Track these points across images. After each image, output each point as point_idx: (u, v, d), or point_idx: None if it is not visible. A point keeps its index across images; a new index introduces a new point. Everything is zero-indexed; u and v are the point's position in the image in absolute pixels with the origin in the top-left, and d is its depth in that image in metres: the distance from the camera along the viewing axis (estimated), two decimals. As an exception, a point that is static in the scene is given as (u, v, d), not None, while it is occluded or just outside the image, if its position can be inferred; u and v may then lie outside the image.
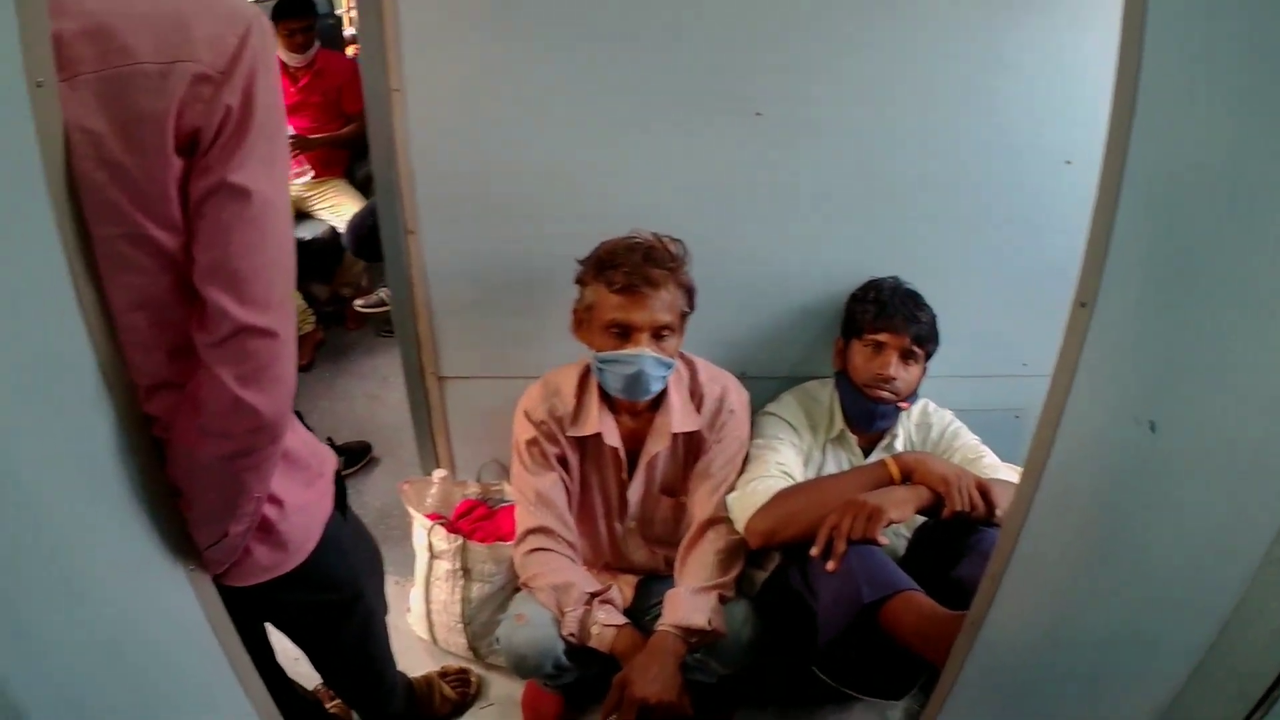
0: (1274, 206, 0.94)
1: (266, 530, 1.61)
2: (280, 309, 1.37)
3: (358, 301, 4.93)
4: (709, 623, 2.31)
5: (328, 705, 2.59)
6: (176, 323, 1.37)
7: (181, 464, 1.43)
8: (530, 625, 2.38)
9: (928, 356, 2.55)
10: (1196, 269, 1.07)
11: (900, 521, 2.25)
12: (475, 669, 2.88)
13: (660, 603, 2.45)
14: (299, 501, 1.66)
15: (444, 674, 2.83)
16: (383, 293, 4.86)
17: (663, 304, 2.30)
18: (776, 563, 2.55)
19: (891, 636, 2.05)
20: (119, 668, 1.33)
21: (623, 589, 2.61)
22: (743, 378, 2.65)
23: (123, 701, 1.33)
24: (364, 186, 5.17)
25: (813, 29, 2.50)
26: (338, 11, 7.87)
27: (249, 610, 1.73)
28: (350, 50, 7.15)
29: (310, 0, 5.05)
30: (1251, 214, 0.97)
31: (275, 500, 1.60)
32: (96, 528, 1.29)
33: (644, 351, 2.29)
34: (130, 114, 1.21)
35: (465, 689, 2.81)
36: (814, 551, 2.18)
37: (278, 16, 4.73)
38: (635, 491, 2.57)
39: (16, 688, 1.05)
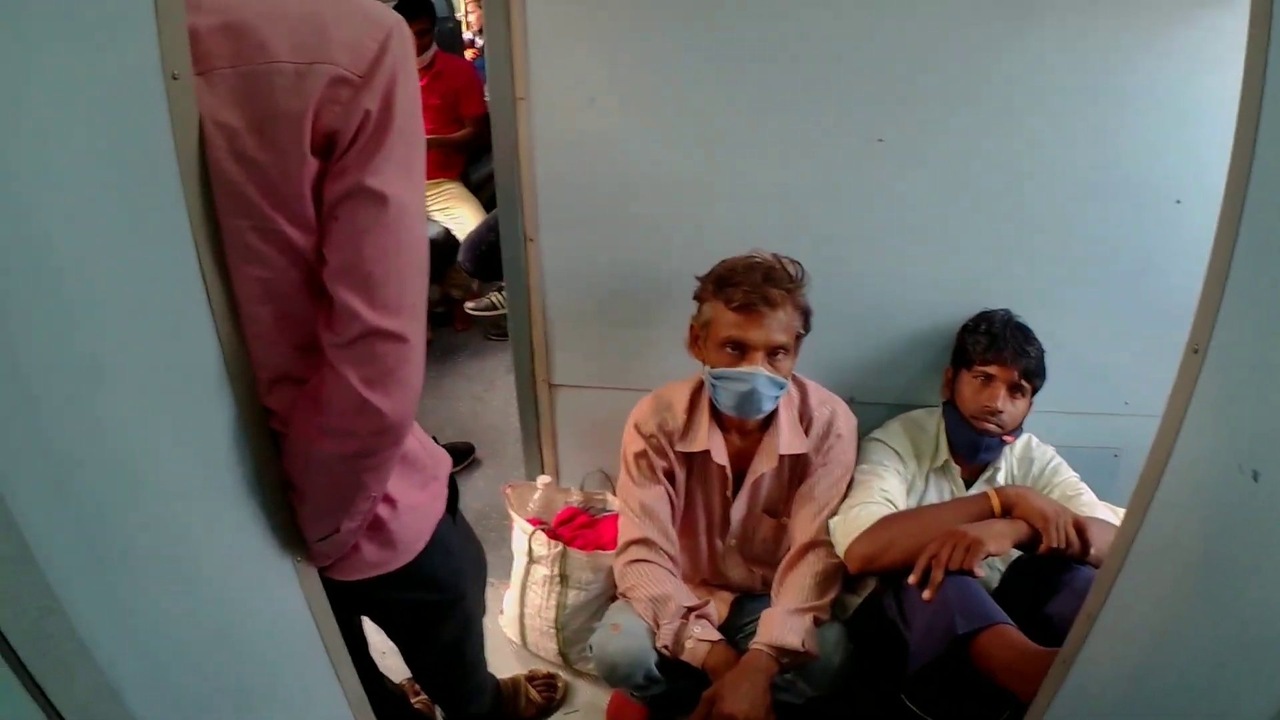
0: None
1: (377, 528, 1.63)
2: (411, 314, 1.37)
3: (468, 304, 4.99)
4: (802, 644, 2.32)
5: (413, 700, 2.64)
6: (302, 318, 1.38)
7: (299, 459, 1.45)
8: (625, 635, 2.41)
9: (1034, 391, 2.53)
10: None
11: (998, 555, 2.24)
12: (563, 674, 2.92)
13: (753, 621, 2.47)
14: (412, 502, 1.68)
15: (531, 677, 2.86)
16: (493, 296, 4.92)
17: (779, 324, 2.30)
18: (871, 588, 2.54)
19: (981, 669, 2.05)
20: (220, 654, 1.35)
21: (718, 605, 2.62)
22: (851, 402, 2.64)
23: (221, 686, 1.35)
24: (479, 189, 5.25)
25: (938, 61, 2.49)
26: (457, 15, 8.00)
27: (349, 603, 1.75)
28: (469, 53, 7.26)
29: (429, 2, 5.13)
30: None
31: (389, 500, 1.62)
32: (209, 516, 1.32)
33: (758, 370, 2.30)
34: (266, 111, 1.23)
35: (551, 694, 2.84)
36: (912, 579, 2.18)
37: (397, 16, 4.84)
38: (738, 510, 2.58)
39: (115, 666, 1.07)
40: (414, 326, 1.38)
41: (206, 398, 1.29)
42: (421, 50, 4.95)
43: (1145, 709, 1.41)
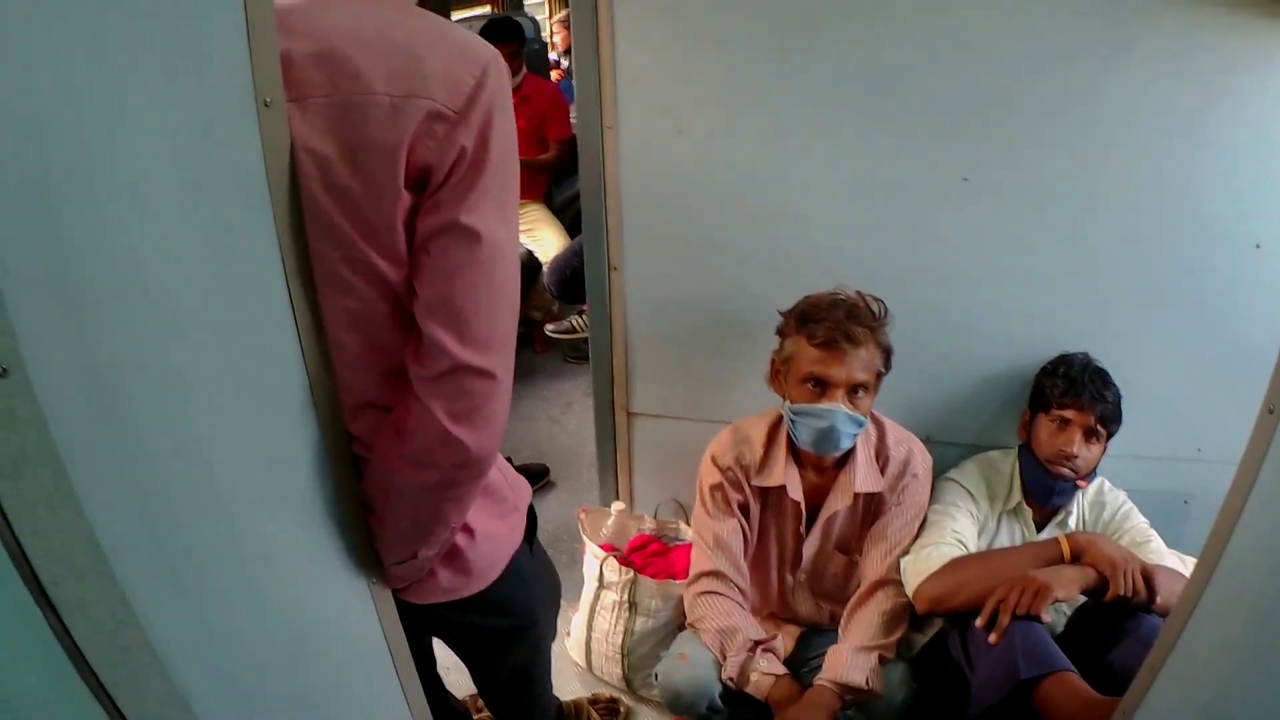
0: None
1: (454, 556, 1.65)
2: (500, 351, 1.39)
3: (548, 326, 5.05)
4: (867, 682, 2.33)
5: (475, 717, 2.67)
6: (389, 348, 1.41)
7: (380, 486, 1.47)
8: (691, 665, 2.43)
9: (1109, 436, 2.52)
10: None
11: (1066, 601, 2.25)
12: (625, 699, 2.93)
13: (819, 655, 2.49)
14: (490, 531, 1.70)
15: (594, 700, 2.88)
16: (573, 319, 4.97)
17: (861, 362, 2.32)
18: (937, 628, 2.56)
19: (1043, 715, 2.07)
20: (291, 668, 1.38)
21: (785, 639, 2.63)
22: (927, 441, 2.66)
23: (289, 700, 1.38)
24: (561, 211, 5.32)
25: (1023, 100, 2.50)
26: (544, 36, 8.12)
27: (421, 624, 1.79)
28: (555, 74, 7.35)
29: (518, 25, 5.20)
30: None
31: (467, 529, 1.64)
32: (287, 534, 1.35)
33: (839, 407, 2.32)
34: (360, 142, 1.25)
35: (613, 718, 2.86)
36: (979, 623, 2.20)
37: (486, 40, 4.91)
38: (811, 546, 2.59)
39: (188, 679, 1.09)
40: (502, 363, 1.40)
41: (291, 420, 1.32)
42: (512, 74, 5.01)
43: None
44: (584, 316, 4.94)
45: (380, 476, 1.47)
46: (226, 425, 1.16)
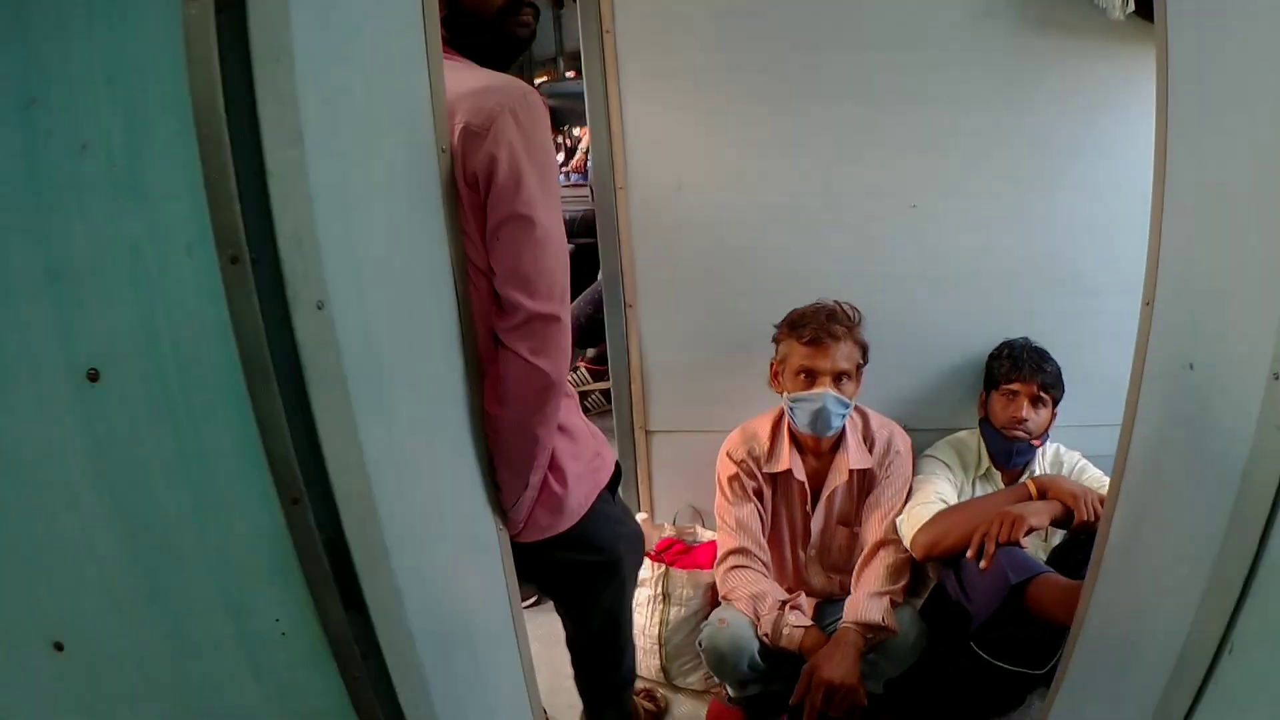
0: None
1: (548, 498, 2.06)
2: (560, 300, 1.86)
3: None
4: (883, 619, 2.77)
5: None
6: (486, 319, 1.88)
7: (491, 435, 1.92)
8: (730, 627, 2.85)
9: (1055, 401, 2.97)
10: None
11: (1039, 529, 2.70)
12: (662, 690, 3.26)
13: (835, 621, 2.89)
14: (576, 472, 2.11)
15: (635, 691, 3.15)
16: (571, 374, 5.38)
17: (842, 354, 2.84)
18: (930, 588, 2.99)
19: (1035, 612, 2.50)
20: (452, 583, 1.82)
21: (807, 609, 3.03)
22: (906, 428, 3.14)
23: (446, 606, 1.77)
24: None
25: (958, 139, 3.07)
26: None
27: (530, 570, 2.19)
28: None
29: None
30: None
31: (558, 471, 2.06)
32: (456, 482, 1.83)
33: (827, 391, 2.82)
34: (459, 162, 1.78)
35: (655, 703, 3.18)
36: (970, 554, 2.64)
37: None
38: (817, 522, 3.04)
39: (399, 575, 1.49)
40: (563, 309, 1.87)
41: (454, 401, 1.81)
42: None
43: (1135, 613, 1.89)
44: (579, 371, 5.38)
45: (489, 427, 1.92)
46: (419, 406, 1.67)
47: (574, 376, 5.34)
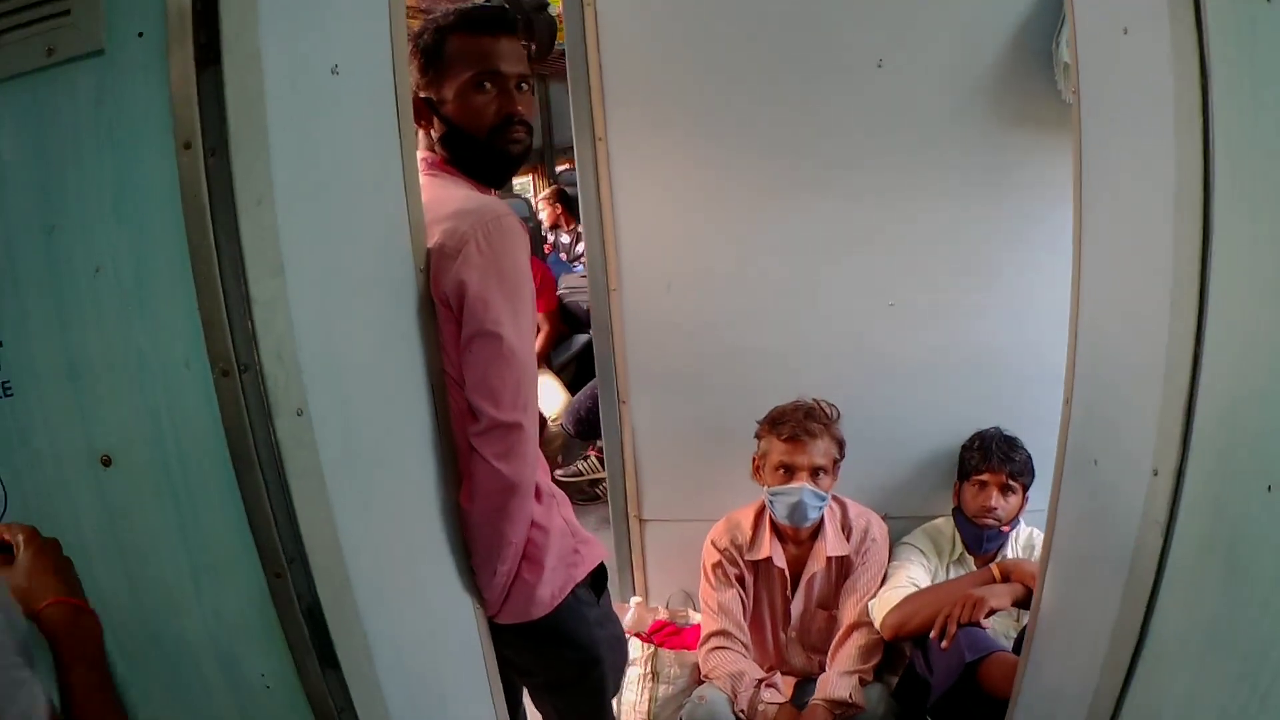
0: None
1: (522, 586, 2.15)
2: (524, 410, 1.99)
3: (558, 472, 5.57)
4: (850, 696, 2.93)
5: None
6: (463, 429, 2.04)
7: (463, 525, 2.08)
8: (709, 704, 3.02)
9: (1025, 488, 3.12)
10: None
11: (1000, 609, 2.84)
12: None
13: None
14: (550, 565, 2.18)
15: None
16: (580, 464, 5.58)
17: (819, 450, 3.03)
18: (905, 667, 3.12)
19: (987, 689, 2.65)
20: (428, 654, 1.99)
21: (783, 688, 3.18)
22: (885, 517, 3.32)
23: (423, 676, 1.96)
24: (560, 372, 5.97)
25: (935, 234, 3.27)
26: (539, 215, 8.74)
27: (510, 664, 2.30)
28: (546, 248, 7.98)
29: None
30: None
31: (532, 561, 2.14)
32: (434, 564, 2.02)
33: (804, 485, 3.00)
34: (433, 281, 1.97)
35: None
36: (933, 635, 2.80)
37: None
38: (797, 605, 3.21)
39: (372, 640, 1.69)
40: (525, 418, 2.00)
41: (431, 493, 2.01)
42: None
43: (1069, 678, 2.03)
44: (590, 460, 5.59)
45: (462, 520, 2.07)
46: (413, 502, 1.91)
47: (584, 465, 5.55)
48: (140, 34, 1.40)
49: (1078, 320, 2.02)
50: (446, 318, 1.98)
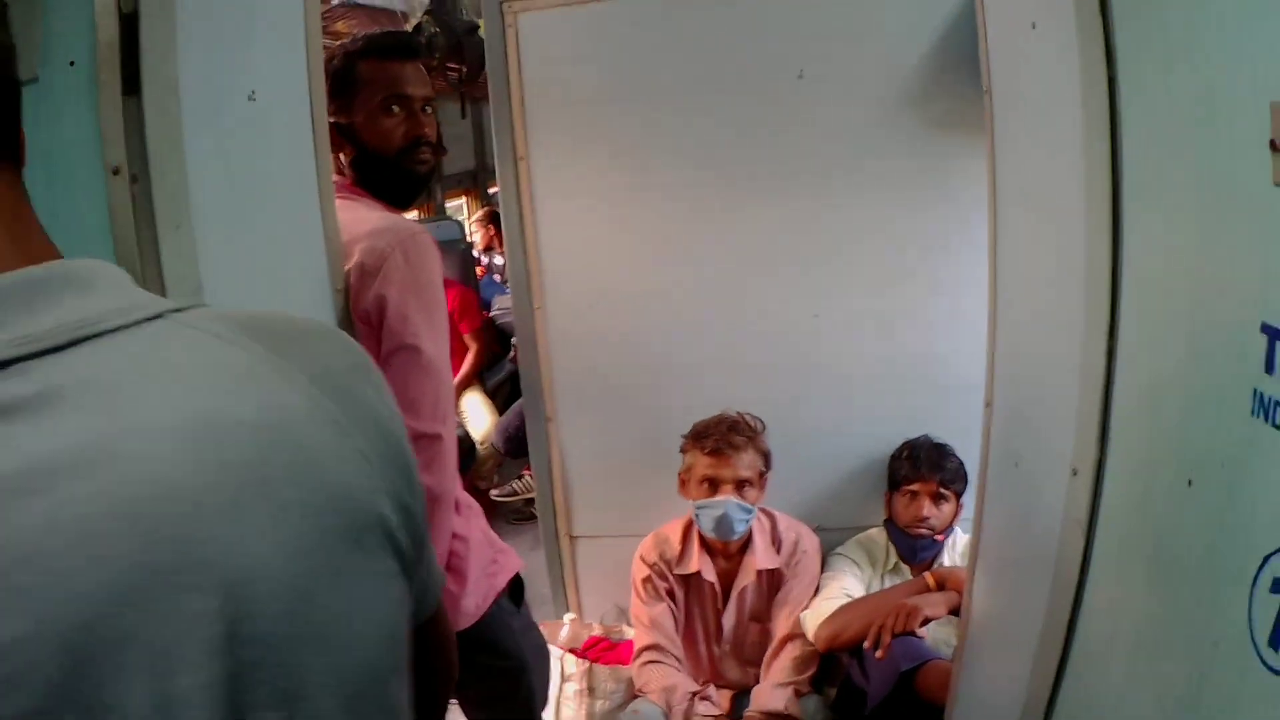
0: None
1: (446, 595, 2.14)
2: (443, 420, 2.00)
3: (493, 492, 5.55)
4: (785, 708, 2.92)
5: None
6: None
7: None
8: (644, 717, 3.00)
9: (958, 495, 3.12)
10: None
11: (935, 619, 2.83)
12: None
13: (749, 710, 3.06)
14: (473, 576, 2.19)
15: None
16: (515, 484, 5.53)
17: (744, 463, 3.01)
18: (841, 679, 3.12)
19: (924, 696, 2.65)
20: None
21: (720, 701, 3.19)
22: (818, 529, 3.31)
23: None
24: (494, 395, 5.90)
25: (859, 244, 3.28)
26: (469, 238, 8.67)
27: None
28: (480, 270, 7.93)
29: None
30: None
31: (455, 572, 2.14)
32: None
33: (729, 499, 2.99)
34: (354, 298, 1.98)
35: None
36: (867, 645, 2.78)
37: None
38: (729, 619, 3.19)
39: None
40: (446, 428, 2.02)
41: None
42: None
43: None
44: (525, 479, 5.54)
45: None
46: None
47: (519, 484, 5.51)
48: (71, 63, 1.38)
49: (996, 322, 2.03)
50: (366, 334, 1.98)
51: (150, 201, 1.39)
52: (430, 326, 2.01)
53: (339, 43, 2.23)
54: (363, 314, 1.98)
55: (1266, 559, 1.08)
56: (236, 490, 0.65)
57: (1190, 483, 1.28)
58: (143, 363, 0.65)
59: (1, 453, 0.58)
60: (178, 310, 0.70)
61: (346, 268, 1.97)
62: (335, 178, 2.13)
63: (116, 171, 1.36)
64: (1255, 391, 1.11)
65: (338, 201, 2.03)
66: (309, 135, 1.87)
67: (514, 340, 4.75)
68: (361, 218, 2.05)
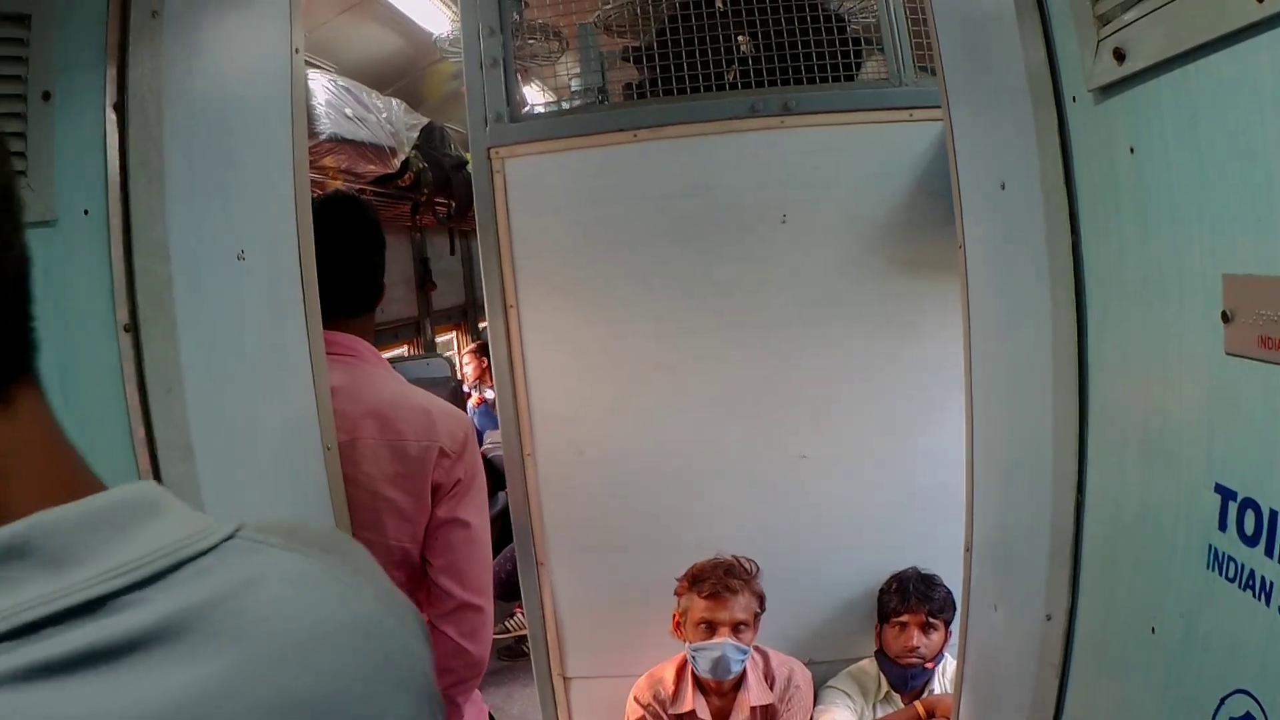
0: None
1: None
2: (485, 592, 2.16)
3: None
4: None
5: None
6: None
7: None
8: None
9: (947, 623, 3.17)
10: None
11: None
12: None
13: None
14: None
15: None
16: (506, 622, 5.55)
17: (740, 606, 3.07)
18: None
19: None
20: None
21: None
22: (809, 663, 3.35)
23: None
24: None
25: (841, 385, 3.37)
26: (464, 370, 8.73)
27: None
28: (471, 402, 7.97)
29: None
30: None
31: None
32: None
33: (726, 641, 3.04)
34: (404, 471, 2.08)
35: None
36: None
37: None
38: (725, 757, 3.22)
39: None
40: (487, 600, 2.17)
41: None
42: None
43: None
44: (516, 617, 5.56)
45: None
46: None
47: (510, 623, 5.54)
48: (86, 211, 1.42)
49: (973, 470, 2.10)
50: (420, 499, 2.10)
51: (141, 361, 1.46)
52: (479, 505, 2.20)
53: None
54: (436, 484, 2.10)
55: (1223, 700, 1.17)
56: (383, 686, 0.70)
57: (1154, 630, 1.36)
58: (251, 581, 0.66)
59: (150, 691, 0.56)
60: (238, 528, 0.70)
61: (362, 436, 2.09)
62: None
63: (128, 328, 1.44)
64: (1210, 547, 1.20)
65: (335, 362, 2.11)
66: (299, 293, 1.95)
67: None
68: (397, 389, 2.21)
